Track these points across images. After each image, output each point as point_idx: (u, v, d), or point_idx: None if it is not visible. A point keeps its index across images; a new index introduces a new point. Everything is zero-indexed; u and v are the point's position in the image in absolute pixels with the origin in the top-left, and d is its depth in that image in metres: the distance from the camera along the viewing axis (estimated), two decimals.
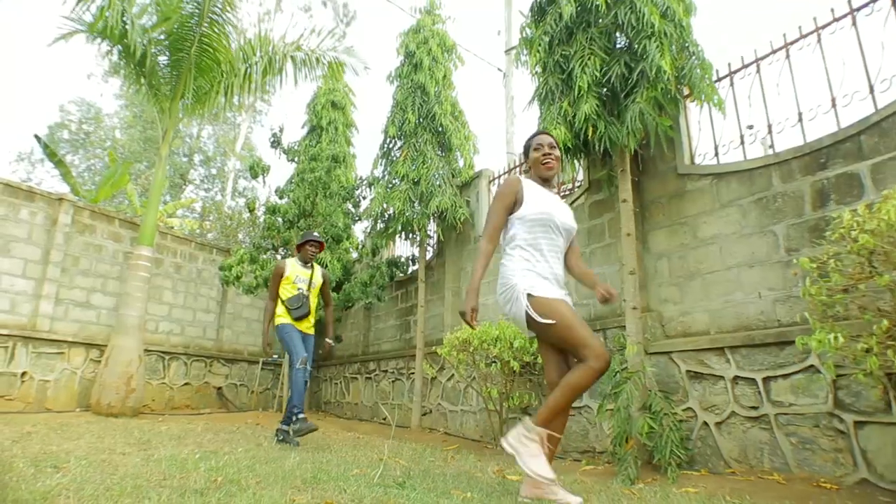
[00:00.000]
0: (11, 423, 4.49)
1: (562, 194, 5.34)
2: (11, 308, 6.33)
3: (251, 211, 7.88)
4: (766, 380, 3.18)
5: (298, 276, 4.33)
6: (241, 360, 8.59)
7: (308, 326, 4.35)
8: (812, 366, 2.98)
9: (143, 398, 6.37)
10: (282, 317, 4.25)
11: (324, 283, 4.56)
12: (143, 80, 6.81)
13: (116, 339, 6.09)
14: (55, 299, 6.70)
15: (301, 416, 3.97)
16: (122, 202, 15.78)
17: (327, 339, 4.63)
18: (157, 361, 7.58)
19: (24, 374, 6.18)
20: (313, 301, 4.40)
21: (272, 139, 8.03)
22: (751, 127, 3.83)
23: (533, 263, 2.27)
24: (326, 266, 7.12)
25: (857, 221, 2.14)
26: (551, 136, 2.56)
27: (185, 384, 7.84)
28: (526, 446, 2.08)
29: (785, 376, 3.10)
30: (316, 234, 4.53)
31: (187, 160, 20.54)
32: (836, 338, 2.12)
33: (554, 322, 2.10)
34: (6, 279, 6.33)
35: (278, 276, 4.31)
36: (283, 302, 4.26)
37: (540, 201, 2.35)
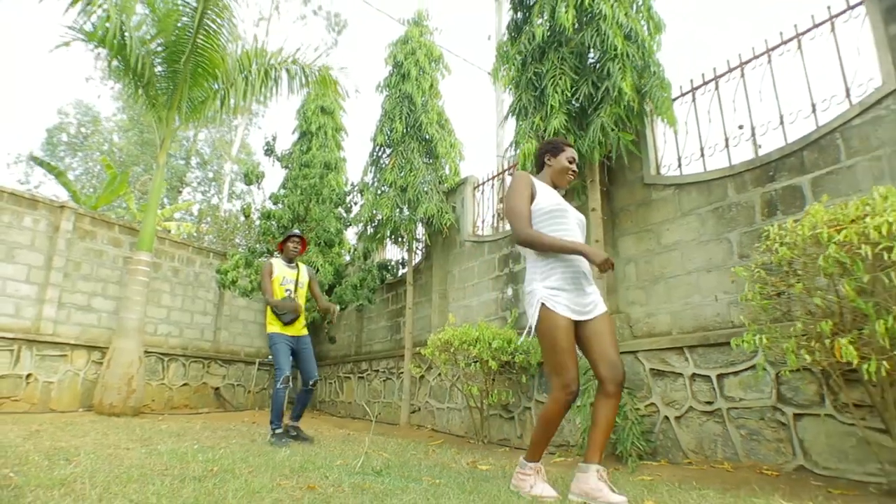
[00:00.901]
0: (19, 423, 4.75)
1: None
2: (16, 312, 6.58)
3: (247, 216, 8.13)
4: (720, 377, 3.45)
5: (285, 278, 4.33)
6: (238, 361, 8.84)
7: (300, 328, 4.34)
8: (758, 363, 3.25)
9: (144, 398, 6.62)
10: (272, 324, 4.24)
11: (311, 281, 4.52)
12: (140, 91, 7.05)
13: (117, 342, 6.34)
14: (58, 303, 6.95)
15: (279, 431, 4.02)
16: (121, 205, 16.00)
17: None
18: (157, 363, 7.83)
19: (28, 375, 6.44)
20: (302, 301, 4.36)
21: (266, 147, 8.28)
22: (741, 127, 3.89)
23: (556, 265, 2.32)
24: (318, 270, 7.37)
25: (780, 235, 2.40)
26: None
27: (184, 385, 8.09)
28: (523, 480, 2.30)
29: (735, 373, 3.38)
30: (297, 230, 4.63)
31: (184, 163, 20.77)
32: (761, 339, 2.39)
33: (545, 341, 2.28)
34: (11, 284, 6.58)
35: (268, 274, 4.29)
36: (271, 307, 4.24)
37: (551, 196, 2.45)
